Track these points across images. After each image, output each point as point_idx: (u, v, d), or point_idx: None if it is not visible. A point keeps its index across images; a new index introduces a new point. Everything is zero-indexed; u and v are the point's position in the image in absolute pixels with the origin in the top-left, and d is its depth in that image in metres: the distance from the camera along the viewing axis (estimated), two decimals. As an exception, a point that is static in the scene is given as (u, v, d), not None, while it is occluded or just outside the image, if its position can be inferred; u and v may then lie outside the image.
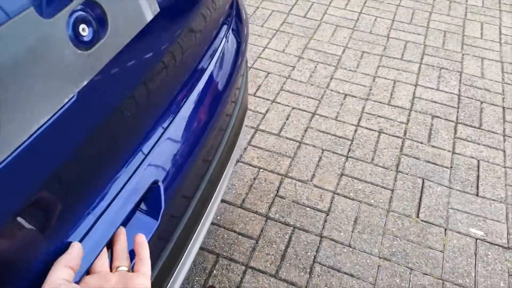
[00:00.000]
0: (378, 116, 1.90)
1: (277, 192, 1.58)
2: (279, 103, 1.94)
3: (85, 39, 0.48)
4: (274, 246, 1.41)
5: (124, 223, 0.58)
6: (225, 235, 1.43)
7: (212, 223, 1.46)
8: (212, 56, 0.85)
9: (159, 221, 0.63)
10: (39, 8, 0.42)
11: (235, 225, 1.46)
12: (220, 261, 1.36)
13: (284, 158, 1.70)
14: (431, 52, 2.28)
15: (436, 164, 1.70)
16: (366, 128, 1.84)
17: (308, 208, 1.52)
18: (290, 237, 1.44)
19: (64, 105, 0.46)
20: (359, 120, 1.88)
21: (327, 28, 2.43)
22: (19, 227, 0.43)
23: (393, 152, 1.74)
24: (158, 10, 0.61)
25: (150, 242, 0.58)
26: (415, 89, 2.05)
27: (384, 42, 2.34)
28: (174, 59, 0.70)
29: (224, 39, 0.91)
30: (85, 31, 0.48)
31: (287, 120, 1.86)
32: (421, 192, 1.60)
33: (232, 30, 0.96)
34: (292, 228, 1.46)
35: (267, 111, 1.90)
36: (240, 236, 1.43)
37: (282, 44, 2.29)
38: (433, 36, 2.40)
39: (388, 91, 2.03)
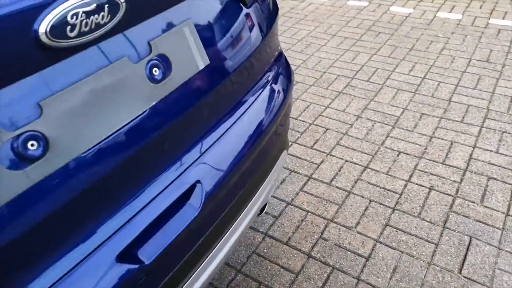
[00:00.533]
0: (431, 173, 1.96)
1: (322, 234, 1.70)
2: (333, 155, 2.11)
3: (156, 77, 0.76)
4: (312, 282, 1.52)
5: (166, 212, 0.81)
6: (269, 267, 1.58)
7: (258, 255, 1.62)
8: (255, 96, 1.08)
9: (198, 212, 0.84)
10: (130, 57, 0.71)
11: (279, 259, 1.61)
12: (261, 290, 1.50)
13: (332, 205, 1.83)
14: (494, 117, 2.30)
15: (487, 224, 1.69)
16: (417, 184, 1.91)
17: (349, 252, 1.62)
18: (328, 276, 1.53)
19: (139, 115, 0.73)
20: (410, 176, 1.95)
21: (388, 91, 2.58)
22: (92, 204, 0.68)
23: (442, 209, 1.78)
24: (208, 62, 0.88)
25: (174, 242, 0.79)
26: (472, 151, 2.08)
27: (445, 105, 2.42)
28: (224, 93, 0.95)
29: (268, 84, 1.14)
30: (156, 72, 0.76)
31: (339, 171, 2.01)
32: (467, 249, 1.60)
33: (275, 78, 1.20)
34: (331, 268, 1.56)
35: (321, 162, 2.07)
36: (282, 269, 1.57)
37: (343, 104, 2.49)
38: (498, 101, 2.42)
39: (443, 151, 2.09)
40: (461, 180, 1.91)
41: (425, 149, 2.11)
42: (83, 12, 0.61)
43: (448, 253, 1.59)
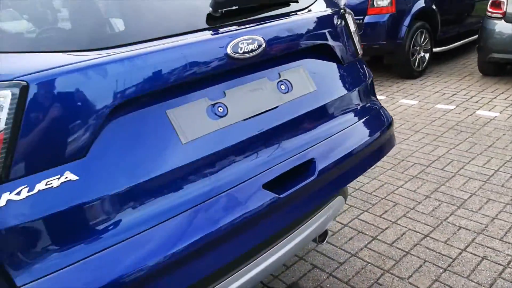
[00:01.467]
0: (486, 246, 2.20)
1: (377, 280, 2.05)
2: (398, 224, 2.47)
3: (283, 90, 1.39)
4: (362, 311, 1.86)
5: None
6: (328, 296, 1.97)
7: None
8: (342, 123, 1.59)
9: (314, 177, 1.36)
10: (269, 77, 1.36)
11: (338, 292, 1.99)
12: (320, 311, 1.89)
13: (390, 260, 2.17)
14: None
15: (534, 292, 1.87)
16: (471, 253, 2.16)
17: (398, 295, 1.94)
18: (377, 310, 1.87)
19: (272, 108, 1.32)
20: (466, 246, 2.21)
21: (460, 179, 2.89)
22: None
23: (490, 274, 2.00)
24: (316, 88, 1.50)
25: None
26: (533, 233, 2.26)
27: (514, 194, 2.64)
28: (322, 111, 1.49)
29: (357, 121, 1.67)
30: (283, 87, 1.38)
31: (401, 236, 2.36)
32: (509, 308, 1.80)
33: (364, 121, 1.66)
34: (380, 304, 1.89)
35: (386, 228, 2.45)
36: (339, 299, 1.95)
37: (414, 186, 2.87)
38: None
39: (503, 230, 2.31)
40: (516, 255, 2.11)
41: (486, 227, 2.36)
42: (245, 42, 1.27)
43: (490, 309, 1.81)
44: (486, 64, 5.00)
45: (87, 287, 0.84)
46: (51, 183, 0.85)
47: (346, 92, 1.62)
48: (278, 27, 1.43)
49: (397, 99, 4.76)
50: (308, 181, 1.32)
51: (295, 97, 1.42)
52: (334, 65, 1.64)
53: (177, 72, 1.13)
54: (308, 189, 1.34)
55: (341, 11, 1.70)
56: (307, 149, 1.38)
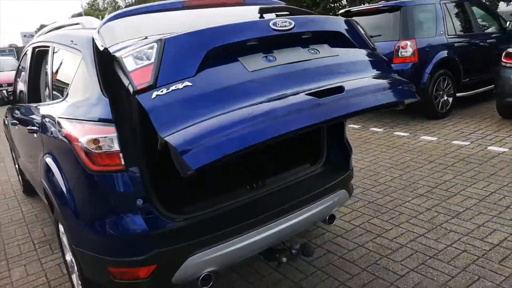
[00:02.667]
0: (468, 244, 2.74)
1: (376, 261, 2.65)
2: (400, 227, 3.06)
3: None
4: (360, 281, 2.47)
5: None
6: (337, 269, 2.60)
7: (333, 263, 2.66)
8: None
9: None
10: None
11: (344, 268, 2.61)
12: None
13: (388, 250, 2.77)
14: (541, 220, 2.94)
15: None
16: (455, 247, 2.71)
17: (389, 271, 2.53)
18: (371, 281, 2.46)
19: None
20: (452, 243, 2.76)
21: (459, 198, 3.44)
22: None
23: (466, 261, 2.55)
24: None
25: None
26: None
27: (495, 207, 3.15)
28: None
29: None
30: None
31: (401, 235, 2.95)
32: None
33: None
34: (373, 276, 2.49)
35: (390, 229, 3.04)
36: (347, 274, 2.57)
37: (419, 201, 3.45)
38: (551, 211, 3.04)
39: (485, 233, 2.84)
40: (492, 250, 2.64)
41: (472, 231, 2.89)
42: (281, 21, 1.90)
43: None
44: (503, 107, 5.52)
45: (197, 136, 1.51)
46: (178, 86, 1.61)
47: (362, 62, 2.15)
48: (305, 19, 2.12)
49: (419, 135, 5.35)
50: (338, 95, 1.81)
51: (322, 56, 1.98)
52: (353, 49, 2.18)
53: (245, 36, 1.85)
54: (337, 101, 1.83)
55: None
56: (336, 81, 1.88)
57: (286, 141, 2.86)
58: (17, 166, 4.64)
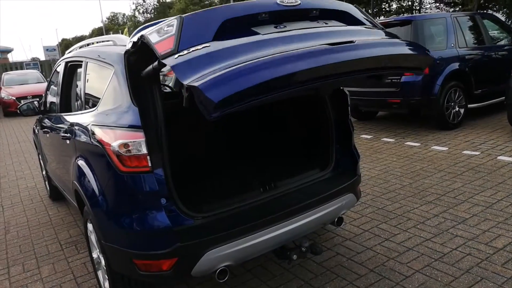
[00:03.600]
0: (473, 248, 2.85)
1: (383, 263, 2.78)
2: (408, 232, 3.18)
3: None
4: (364, 281, 2.61)
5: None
6: (344, 269, 2.74)
7: (342, 265, 2.80)
8: None
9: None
10: None
11: (352, 268, 2.75)
12: None
13: (395, 253, 2.90)
14: (546, 226, 3.03)
15: None
16: (460, 251, 2.83)
17: (397, 272, 2.66)
18: (377, 281, 2.60)
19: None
20: (457, 247, 2.88)
21: (467, 205, 3.55)
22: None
23: (470, 264, 2.66)
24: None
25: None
26: (514, 241, 2.88)
27: (501, 214, 3.25)
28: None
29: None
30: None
31: (408, 239, 3.07)
32: None
33: None
34: (380, 276, 2.63)
35: (397, 233, 3.17)
36: (351, 273, 2.71)
37: (427, 208, 3.57)
38: (556, 218, 3.13)
39: (490, 238, 2.95)
40: (495, 254, 2.75)
41: (477, 236, 3.00)
42: None
43: None
44: (514, 118, 5.59)
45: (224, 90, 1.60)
46: (197, 48, 1.79)
47: (373, 32, 2.24)
48: None
49: (430, 145, 5.45)
50: (349, 44, 1.94)
51: (331, 25, 2.14)
52: (362, 26, 2.29)
53: (255, 10, 2.01)
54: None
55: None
56: (347, 38, 2.00)
57: (297, 146, 3.06)
58: (44, 172, 4.93)
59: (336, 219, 2.62)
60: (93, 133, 2.30)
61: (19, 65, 21.12)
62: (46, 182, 5.00)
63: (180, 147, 2.67)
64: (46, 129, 3.77)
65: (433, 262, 2.74)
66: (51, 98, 4.00)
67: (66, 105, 3.32)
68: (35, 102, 4.34)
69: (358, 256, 2.92)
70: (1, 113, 15.04)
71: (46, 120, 3.93)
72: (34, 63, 22.58)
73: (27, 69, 19.17)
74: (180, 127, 2.90)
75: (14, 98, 13.88)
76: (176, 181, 2.14)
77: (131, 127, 2.05)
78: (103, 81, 2.41)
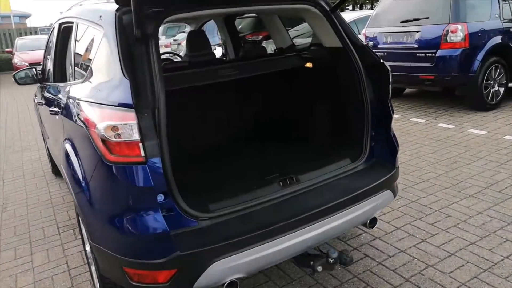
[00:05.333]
0: (529, 257, 2.41)
1: (421, 271, 2.37)
2: (448, 232, 2.75)
3: None
4: (404, 291, 2.21)
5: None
6: (377, 273, 2.34)
7: (370, 271, 2.40)
8: None
9: None
10: None
11: (385, 276, 2.35)
12: (367, 288, 2.27)
13: (435, 258, 2.48)
14: None
15: None
16: None
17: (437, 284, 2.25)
18: (417, 292, 2.20)
19: None
20: (510, 255, 2.44)
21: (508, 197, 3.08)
22: None
23: (527, 278, 2.23)
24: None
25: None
26: None
27: None
28: None
29: None
30: None
31: (449, 241, 2.64)
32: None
33: None
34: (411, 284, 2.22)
35: (436, 234, 2.74)
36: (384, 281, 2.31)
37: (469, 203, 3.11)
38: None
39: (549, 245, 2.49)
40: (557, 266, 2.30)
41: (533, 242, 2.55)
42: None
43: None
44: None
45: None
46: None
47: None
48: None
49: (466, 128, 4.92)
50: None
51: None
52: None
53: None
54: None
55: None
56: None
57: (323, 132, 2.60)
58: (46, 146, 4.60)
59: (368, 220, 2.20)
60: (79, 111, 1.89)
61: (33, 31, 20.72)
62: (49, 156, 4.68)
63: (184, 131, 2.25)
64: (41, 100, 3.38)
65: (481, 273, 2.31)
66: (47, 65, 3.59)
67: (60, 74, 2.91)
68: (34, 69, 3.93)
69: (390, 260, 2.51)
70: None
71: (44, 90, 3.54)
72: (50, 29, 22.15)
73: (41, 34, 18.77)
74: (185, 107, 2.47)
75: (27, 64, 13.59)
76: (177, 174, 1.73)
77: (122, 105, 1.63)
78: (92, 46, 1.97)
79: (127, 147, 1.61)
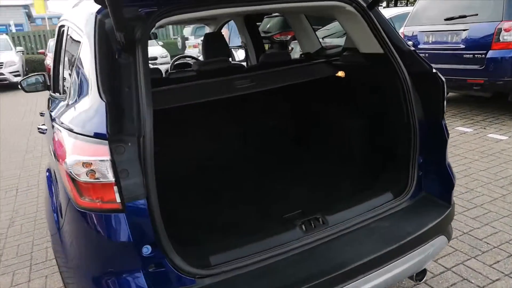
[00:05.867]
0: None
1: (480, 334, 1.88)
2: (512, 278, 2.24)
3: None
4: None
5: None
6: None
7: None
8: None
9: None
10: None
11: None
12: None
13: (498, 315, 1.98)
14: None
15: None
16: None
17: None
18: None
19: None
20: None
21: None
22: None
23: None
24: None
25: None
26: None
27: None
28: None
29: None
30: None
31: None
32: None
33: None
34: None
35: (496, 280, 2.23)
36: None
37: (536, 239, 2.56)
38: None
39: None
40: None
41: None
42: None
43: None
44: None
45: None
46: None
47: None
48: None
49: (522, 141, 4.31)
50: None
51: None
52: None
53: None
54: None
55: None
56: None
57: (356, 160, 2.15)
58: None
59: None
60: (54, 135, 1.54)
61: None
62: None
63: (178, 162, 1.87)
64: (42, 111, 3.10)
65: None
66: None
67: (54, 84, 2.60)
68: (44, 75, 3.68)
69: (441, 315, 2.04)
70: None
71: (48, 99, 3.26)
72: (81, 30, 22.57)
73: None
74: (185, 124, 2.08)
75: (58, 65, 13.76)
76: (169, 215, 1.35)
77: (97, 136, 1.26)
78: (74, 57, 1.63)
79: (101, 189, 1.24)
